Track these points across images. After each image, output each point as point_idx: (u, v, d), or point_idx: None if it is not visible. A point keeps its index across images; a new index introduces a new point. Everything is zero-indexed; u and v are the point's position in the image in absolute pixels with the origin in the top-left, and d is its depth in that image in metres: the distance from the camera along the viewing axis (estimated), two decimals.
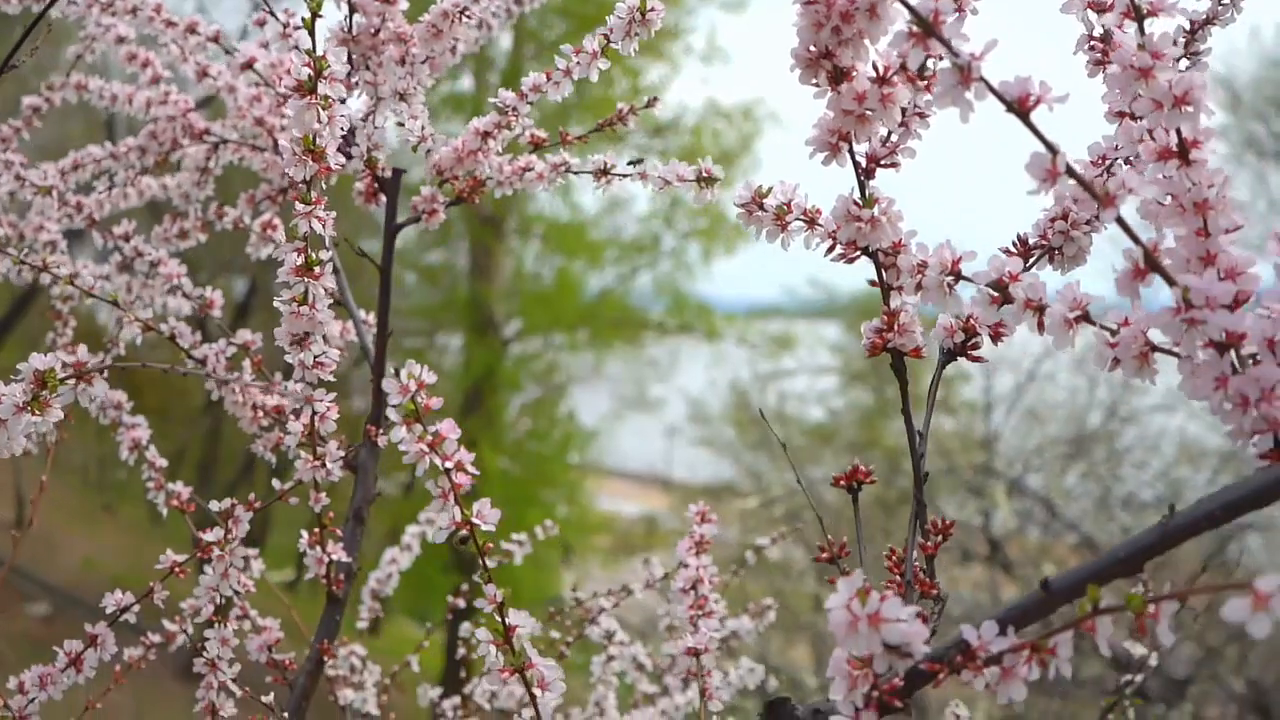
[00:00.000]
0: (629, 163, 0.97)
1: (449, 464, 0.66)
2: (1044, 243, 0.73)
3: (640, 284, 12.26)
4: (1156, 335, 0.58)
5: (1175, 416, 7.44)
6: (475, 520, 0.67)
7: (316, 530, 1.02)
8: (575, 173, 1.04)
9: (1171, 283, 0.55)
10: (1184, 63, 0.76)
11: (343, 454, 0.96)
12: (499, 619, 0.69)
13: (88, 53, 1.35)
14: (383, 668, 1.71)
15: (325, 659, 1.06)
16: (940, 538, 0.68)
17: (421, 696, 1.48)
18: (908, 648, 0.54)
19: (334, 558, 1.03)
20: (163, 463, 1.16)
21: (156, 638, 1.20)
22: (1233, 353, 0.57)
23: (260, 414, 1.08)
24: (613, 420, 12.51)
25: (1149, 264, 0.55)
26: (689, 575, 1.02)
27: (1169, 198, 0.58)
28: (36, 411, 0.71)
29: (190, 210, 1.29)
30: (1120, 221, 0.55)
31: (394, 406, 0.65)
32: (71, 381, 0.71)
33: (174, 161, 1.36)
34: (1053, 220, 0.73)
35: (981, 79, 0.53)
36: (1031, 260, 0.73)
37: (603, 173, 1.02)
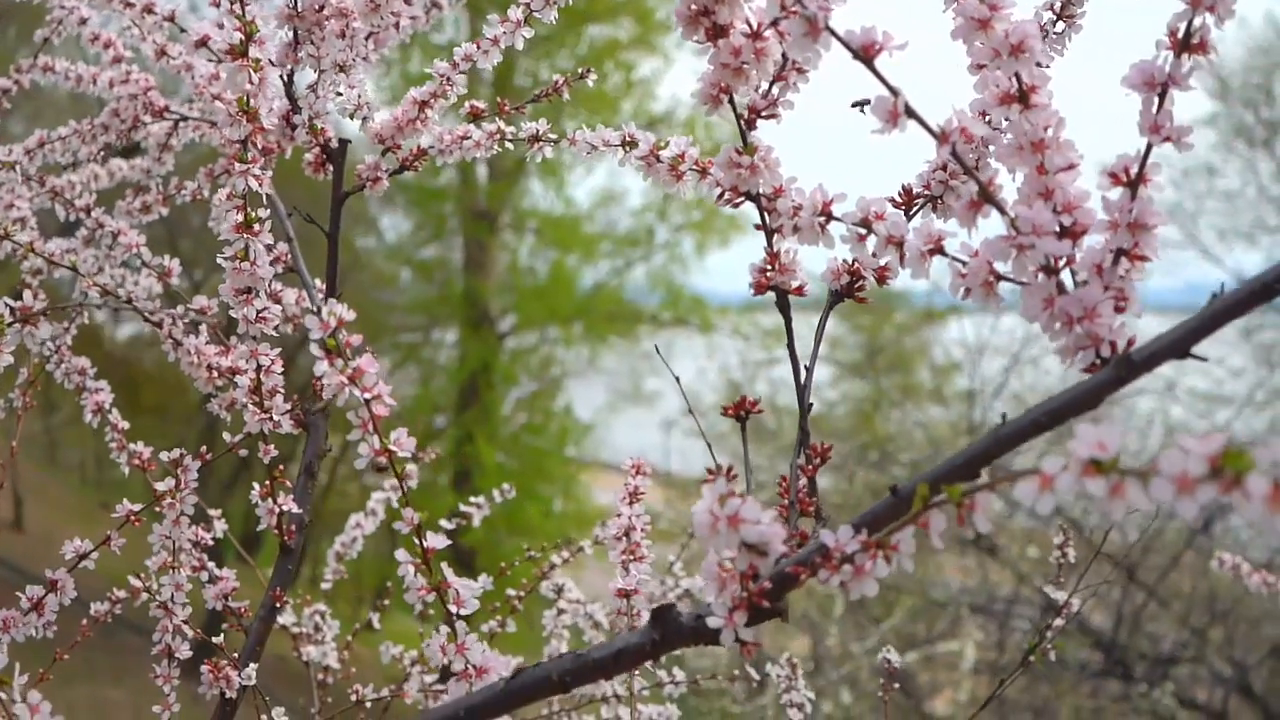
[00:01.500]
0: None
1: (369, 395, 0.72)
2: (926, 192, 0.78)
3: (634, 277, 12.33)
4: (1002, 267, 0.64)
5: (1162, 402, 7.51)
6: (393, 448, 0.73)
7: (268, 482, 1.07)
8: (511, 140, 1.09)
9: (1003, 212, 0.60)
10: (1060, 25, 0.81)
11: (289, 407, 1.01)
12: (417, 542, 0.75)
13: (55, 36, 1.40)
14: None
15: (278, 606, 1.11)
16: (820, 460, 0.74)
17: (384, 654, 1.53)
18: (765, 546, 0.59)
19: (285, 509, 1.08)
20: (125, 425, 1.22)
21: (121, 593, 1.25)
22: (1069, 277, 0.62)
23: (215, 375, 1.14)
24: (608, 414, 12.57)
25: (984, 197, 0.61)
26: (621, 523, 1.08)
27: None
28: None
29: (152, 185, 1.34)
30: (957, 158, 0.60)
31: (315, 341, 0.70)
32: (18, 325, 0.77)
33: (140, 142, 1.41)
34: (934, 170, 0.78)
35: (828, 29, 0.59)
36: (915, 208, 0.78)
37: (535, 139, 1.07)
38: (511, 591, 1.45)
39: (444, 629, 0.75)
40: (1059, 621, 1.21)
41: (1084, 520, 6.92)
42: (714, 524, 0.58)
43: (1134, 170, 0.61)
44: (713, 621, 0.64)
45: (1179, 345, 0.56)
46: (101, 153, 1.34)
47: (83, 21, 1.30)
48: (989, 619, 6.73)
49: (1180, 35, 0.61)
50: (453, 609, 0.74)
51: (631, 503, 1.07)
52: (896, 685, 1.27)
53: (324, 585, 1.58)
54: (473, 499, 1.55)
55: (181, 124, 1.33)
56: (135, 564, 1.25)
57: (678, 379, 1.19)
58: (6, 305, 0.76)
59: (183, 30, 1.22)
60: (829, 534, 0.61)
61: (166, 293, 1.25)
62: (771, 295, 0.81)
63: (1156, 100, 0.61)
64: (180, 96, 1.56)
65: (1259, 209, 9.66)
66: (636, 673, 1.34)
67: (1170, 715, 6.03)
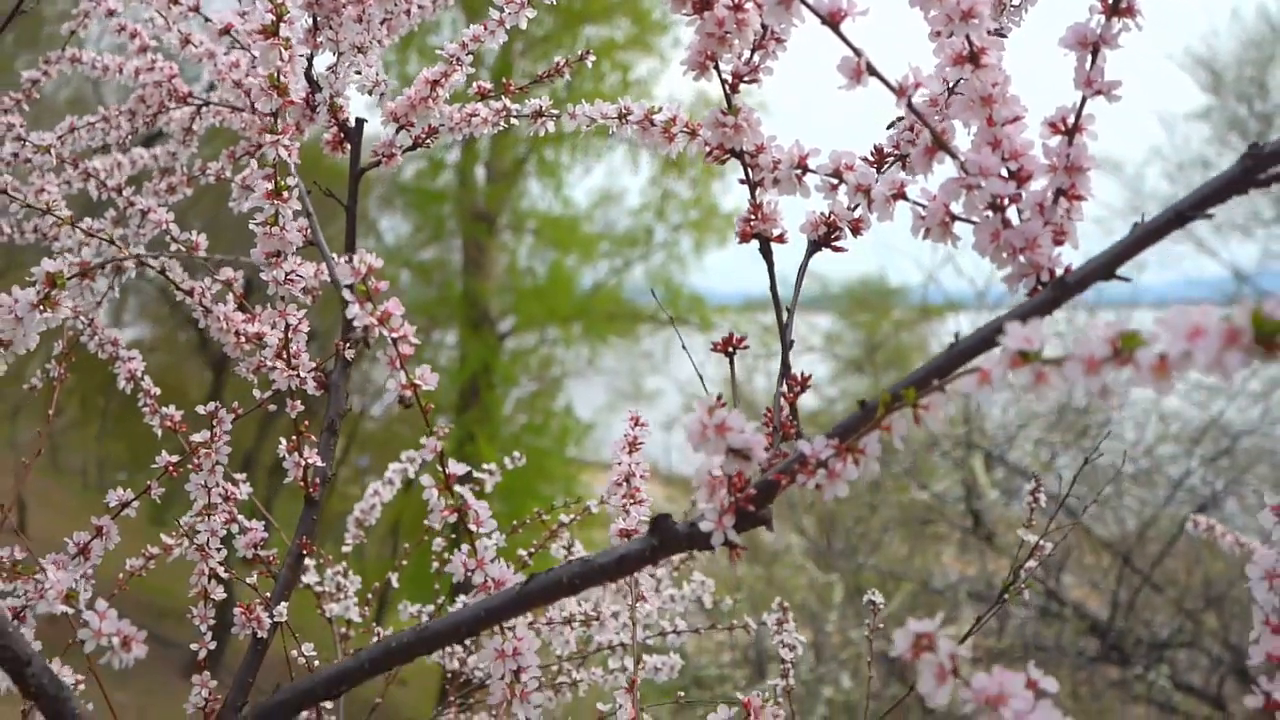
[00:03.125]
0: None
1: (395, 335, 0.80)
2: (896, 151, 0.86)
3: (633, 277, 12.41)
4: (956, 208, 0.72)
5: (1150, 391, 7.58)
6: (418, 381, 0.81)
7: (294, 438, 1.15)
8: (515, 117, 1.17)
9: (955, 157, 0.68)
10: None
11: (315, 365, 1.09)
12: (440, 469, 0.83)
13: (81, 28, 1.49)
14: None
15: (305, 553, 1.19)
16: (800, 388, 0.82)
17: (402, 612, 1.61)
18: (749, 451, 0.67)
19: (310, 463, 1.16)
20: (156, 391, 1.30)
21: (155, 549, 1.33)
22: (1015, 214, 0.70)
23: (242, 340, 1.22)
24: (609, 413, 12.64)
25: (937, 144, 0.69)
26: (621, 470, 1.16)
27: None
28: (47, 308, 0.84)
29: (177, 167, 1.43)
30: (912, 109, 0.68)
31: (347, 287, 0.79)
32: (77, 279, 0.85)
33: (161, 129, 1.50)
34: (902, 131, 0.86)
35: None
36: (886, 165, 0.86)
37: (538, 114, 1.15)
38: (522, 551, 1.53)
39: (465, 547, 0.83)
40: (1031, 563, 1.29)
41: (1079, 508, 7.01)
42: (704, 431, 0.66)
43: (1071, 120, 0.69)
44: (704, 525, 0.72)
45: (1107, 267, 0.64)
46: (128, 138, 1.42)
47: (110, 13, 1.39)
48: (987, 606, 6.81)
49: (1110, 0, 0.69)
50: (473, 528, 0.82)
51: (631, 451, 1.15)
52: (881, 627, 1.35)
53: (344, 549, 1.66)
54: (484, 465, 1.63)
55: (204, 109, 1.41)
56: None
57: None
58: (67, 261, 0.84)
59: (207, 20, 1.30)
60: (806, 443, 0.69)
61: (193, 265, 1.33)
62: (768, 295, 0.89)
63: (1090, 57, 0.69)
64: (199, 85, 1.65)
65: (1253, 202, 9.74)
66: (642, 624, 1.42)
67: (1166, 698, 6.12)
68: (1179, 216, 0.62)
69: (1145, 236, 0.63)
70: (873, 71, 0.67)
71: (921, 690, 0.56)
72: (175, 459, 1.09)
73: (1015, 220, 0.69)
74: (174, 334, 11.43)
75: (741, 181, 0.83)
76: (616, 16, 11.78)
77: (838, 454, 0.67)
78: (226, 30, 1.24)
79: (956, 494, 7.07)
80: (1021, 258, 0.67)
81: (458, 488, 0.82)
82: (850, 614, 6.85)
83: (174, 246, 1.29)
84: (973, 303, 9.04)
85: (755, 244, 0.89)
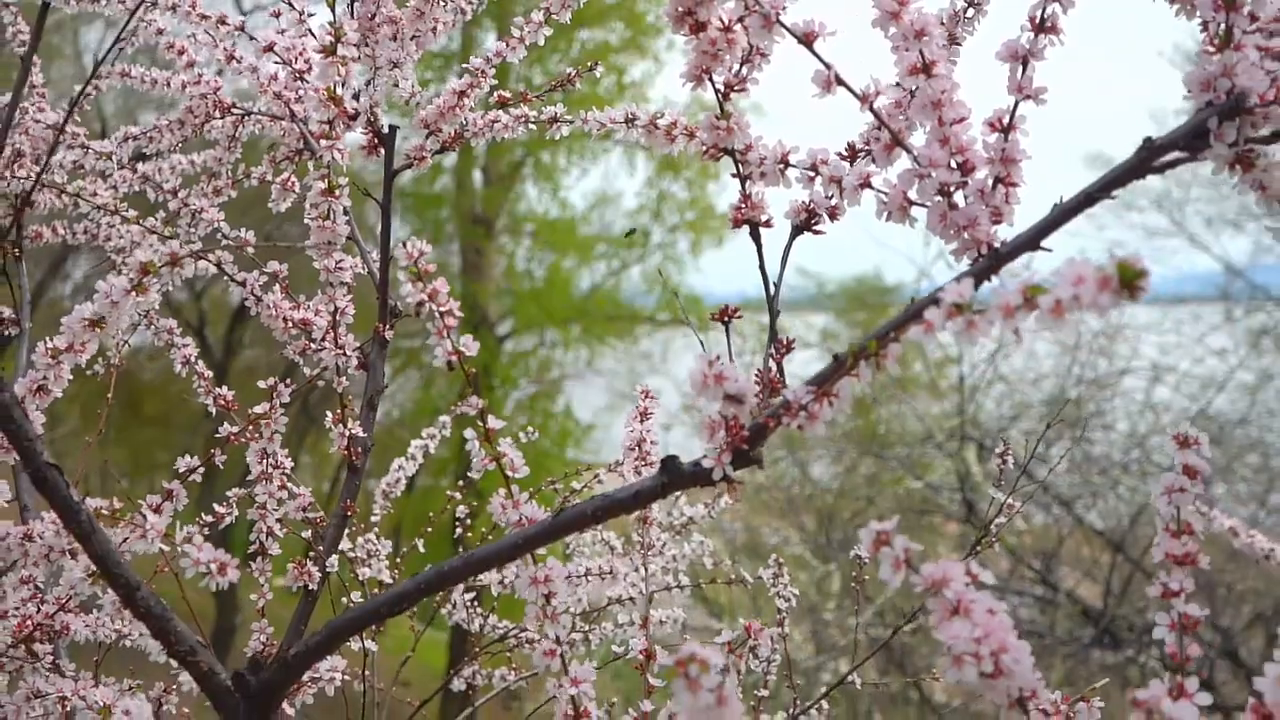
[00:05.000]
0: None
1: (443, 309, 0.94)
2: (866, 147, 1.00)
3: (631, 278, 12.55)
4: (913, 194, 0.86)
5: (1142, 383, 7.76)
6: (462, 348, 0.95)
7: (339, 411, 1.30)
8: (533, 123, 1.32)
9: (909, 151, 0.82)
10: (970, 11, 1.04)
11: (359, 345, 1.24)
12: (481, 423, 0.97)
13: (129, 45, 1.63)
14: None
15: (349, 515, 1.33)
16: (786, 350, 0.96)
17: None
18: (742, 395, 0.82)
19: (353, 433, 1.30)
20: (209, 374, 1.44)
21: (208, 518, 1.47)
22: (962, 199, 0.85)
23: (289, 325, 1.36)
24: (608, 414, 12.78)
25: (895, 141, 0.83)
26: (633, 436, 1.30)
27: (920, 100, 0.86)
28: (139, 293, 0.98)
29: (222, 172, 1.57)
30: (874, 113, 0.83)
31: (402, 268, 0.93)
32: (168, 267, 0.99)
33: (207, 136, 1.64)
34: (871, 130, 1.00)
35: (779, 22, 0.81)
36: (860, 159, 1.00)
37: (553, 120, 1.30)
38: None
39: (501, 491, 0.97)
40: (1001, 519, 1.43)
41: (1072, 499, 7.17)
42: (704, 380, 0.81)
43: (1005, 120, 0.84)
44: (706, 463, 0.86)
45: (1032, 241, 0.78)
46: (176, 145, 1.56)
47: (160, 32, 1.53)
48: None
49: (1037, 19, 0.83)
50: (509, 474, 0.97)
51: (642, 420, 1.29)
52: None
53: (373, 519, 1.80)
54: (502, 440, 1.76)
55: (246, 118, 1.55)
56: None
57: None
58: (155, 250, 0.98)
59: (251, 38, 1.44)
60: (790, 391, 0.83)
61: (242, 260, 1.47)
62: (764, 295, 1.03)
63: (1020, 67, 0.83)
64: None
65: (1245, 196, 9.85)
66: (650, 584, 1.56)
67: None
68: (1088, 198, 0.77)
69: (1062, 214, 0.77)
70: (840, 82, 0.81)
71: (881, 577, 0.70)
72: (237, 429, 1.23)
73: (962, 203, 0.84)
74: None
75: (733, 175, 0.96)
76: (611, 20, 11.93)
77: (816, 398, 0.81)
78: (269, 48, 1.38)
79: (951, 485, 7.23)
80: (965, 234, 0.81)
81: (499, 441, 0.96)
82: (848, 604, 7.00)
83: (224, 243, 1.43)
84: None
85: (747, 235, 1.03)
